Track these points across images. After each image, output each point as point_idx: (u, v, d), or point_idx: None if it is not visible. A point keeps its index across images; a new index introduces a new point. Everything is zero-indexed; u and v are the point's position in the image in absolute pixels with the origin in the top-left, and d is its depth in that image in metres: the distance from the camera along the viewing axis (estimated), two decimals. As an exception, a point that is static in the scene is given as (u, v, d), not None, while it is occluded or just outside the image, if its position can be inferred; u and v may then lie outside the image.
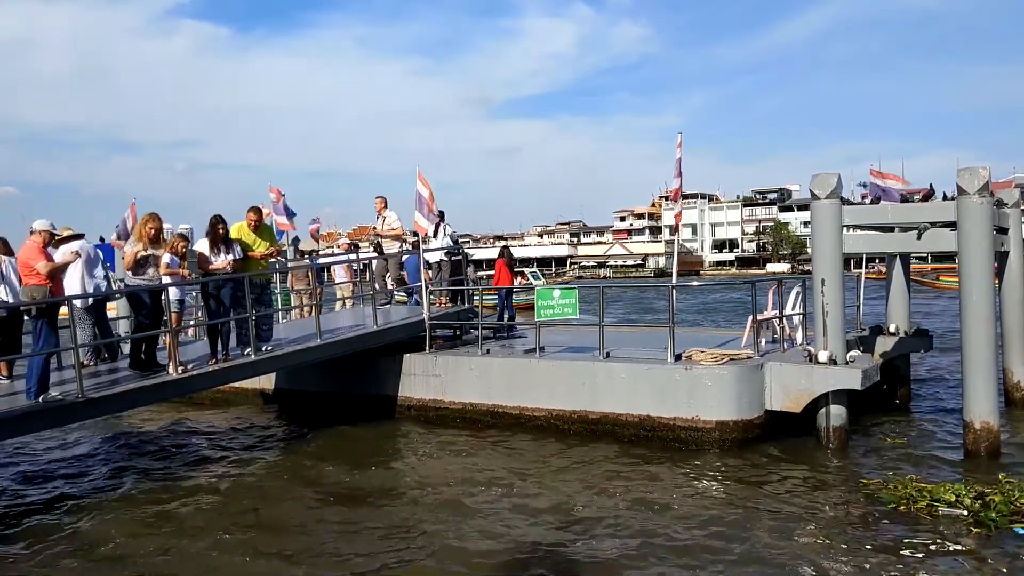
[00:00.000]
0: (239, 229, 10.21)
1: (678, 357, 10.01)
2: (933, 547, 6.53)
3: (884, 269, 13.48)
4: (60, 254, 8.97)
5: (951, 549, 6.51)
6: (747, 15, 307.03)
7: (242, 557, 6.73)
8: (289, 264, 14.58)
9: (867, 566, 6.17)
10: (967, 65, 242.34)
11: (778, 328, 11.19)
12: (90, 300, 10.04)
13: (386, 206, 14.28)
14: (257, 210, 10.46)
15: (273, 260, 10.93)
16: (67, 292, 8.95)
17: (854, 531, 6.92)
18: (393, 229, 14.01)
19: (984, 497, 7.35)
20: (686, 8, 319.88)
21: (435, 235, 14.39)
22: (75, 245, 9.55)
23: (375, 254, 14.38)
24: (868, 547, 6.52)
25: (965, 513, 7.14)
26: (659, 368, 9.87)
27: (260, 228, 10.35)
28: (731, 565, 6.25)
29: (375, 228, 14.30)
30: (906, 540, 6.66)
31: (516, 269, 15.98)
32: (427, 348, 12.08)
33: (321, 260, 17.41)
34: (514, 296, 17.61)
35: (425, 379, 11.71)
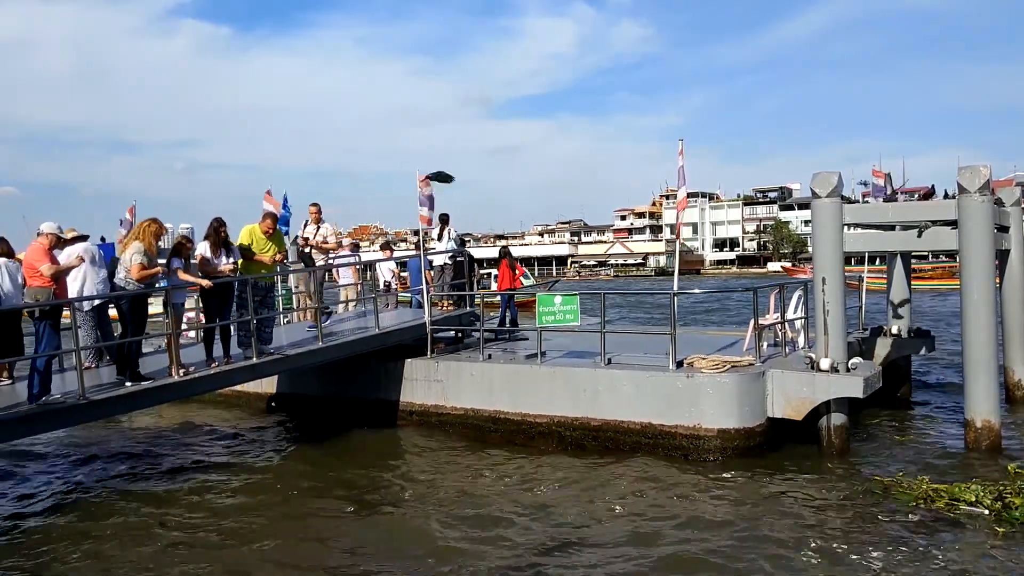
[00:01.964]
0: (251, 232, 10.23)
1: (679, 364, 9.98)
2: (959, 545, 6.54)
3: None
4: (65, 256, 8.97)
5: (979, 547, 6.50)
6: (747, 14, 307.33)
7: (240, 561, 6.73)
8: (292, 266, 14.56)
9: (895, 567, 6.15)
10: (968, 64, 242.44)
11: (779, 332, 11.18)
12: (94, 302, 10.03)
13: (321, 215, 12.87)
14: (274, 216, 10.66)
15: (282, 264, 10.97)
16: (71, 294, 8.96)
17: (875, 533, 6.88)
18: (327, 243, 12.77)
19: (1004, 498, 7.35)
20: (687, 7, 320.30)
21: (439, 238, 14.40)
22: (79, 248, 9.54)
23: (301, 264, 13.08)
24: (894, 548, 6.50)
25: (986, 512, 7.14)
26: (661, 376, 9.84)
27: (274, 234, 10.43)
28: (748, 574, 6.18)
29: (303, 236, 12.86)
30: (932, 538, 6.67)
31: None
32: (429, 352, 12.08)
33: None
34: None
35: (427, 384, 11.70)
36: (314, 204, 13.05)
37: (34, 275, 8.07)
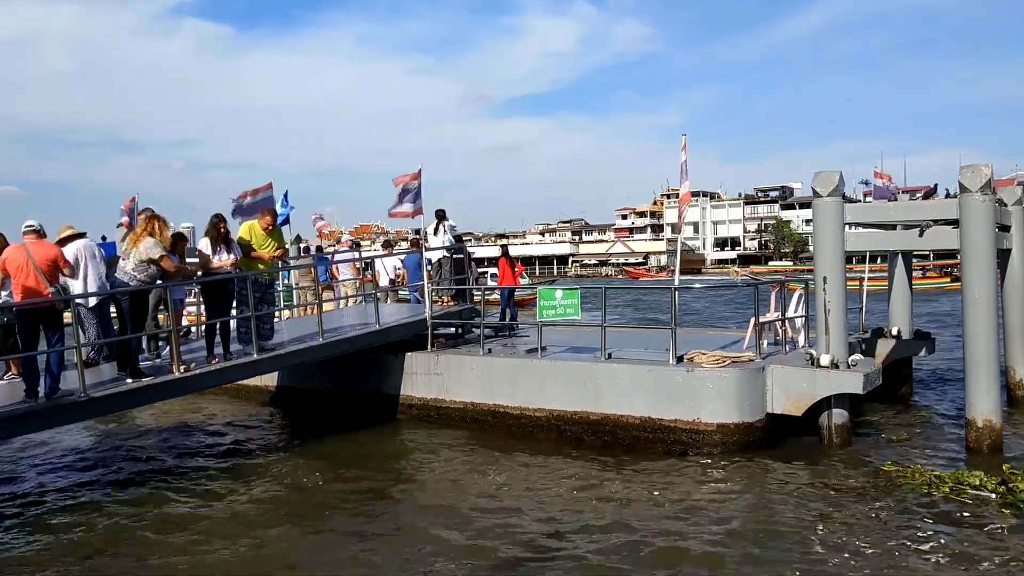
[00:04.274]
0: (251, 228, 10.23)
1: (680, 359, 9.98)
2: (967, 529, 6.54)
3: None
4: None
5: (987, 531, 6.50)
6: (748, 13, 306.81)
7: (240, 557, 6.74)
8: (293, 263, 14.58)
9: (903, 552, 6.15)
10: (969, 63, 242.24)
11: (780, 330, 11.18)
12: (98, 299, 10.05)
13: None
14: (273, 213, 10.69)
15: (283, 261, 10.98)
16: (74, 291, 8.95)
17: (881, 519, 6.88)
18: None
19: (1007, 483, 7.43)
20: (688, 6, 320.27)
21: (435, 233, 14.41)
22: (79, 244, 9.54)
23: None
24: (901, 533, 6.49)
25: (993, 496, 7.22)
26: (661, 370, 9.85)
27: (273, 230, 10.43)
28: (759, 566, 6.14)
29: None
30: (939, 523, 6.70)
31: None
32: (429, 347, 12.09)
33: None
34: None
35: (427, 378, 11.72)
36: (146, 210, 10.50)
37: (56, 273, 8.09)
